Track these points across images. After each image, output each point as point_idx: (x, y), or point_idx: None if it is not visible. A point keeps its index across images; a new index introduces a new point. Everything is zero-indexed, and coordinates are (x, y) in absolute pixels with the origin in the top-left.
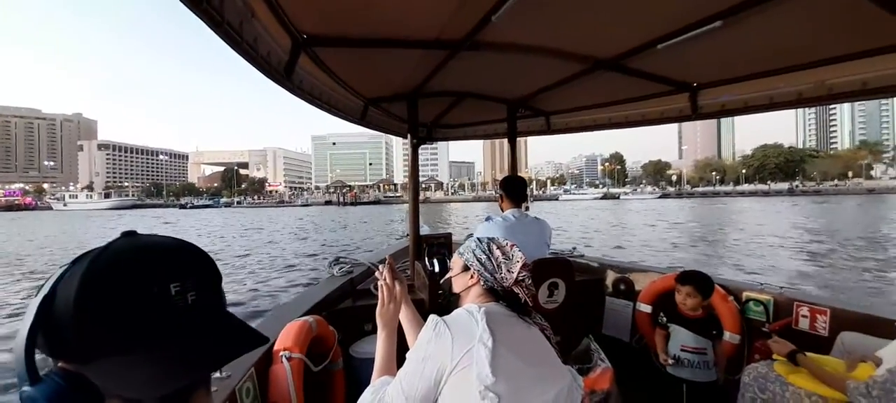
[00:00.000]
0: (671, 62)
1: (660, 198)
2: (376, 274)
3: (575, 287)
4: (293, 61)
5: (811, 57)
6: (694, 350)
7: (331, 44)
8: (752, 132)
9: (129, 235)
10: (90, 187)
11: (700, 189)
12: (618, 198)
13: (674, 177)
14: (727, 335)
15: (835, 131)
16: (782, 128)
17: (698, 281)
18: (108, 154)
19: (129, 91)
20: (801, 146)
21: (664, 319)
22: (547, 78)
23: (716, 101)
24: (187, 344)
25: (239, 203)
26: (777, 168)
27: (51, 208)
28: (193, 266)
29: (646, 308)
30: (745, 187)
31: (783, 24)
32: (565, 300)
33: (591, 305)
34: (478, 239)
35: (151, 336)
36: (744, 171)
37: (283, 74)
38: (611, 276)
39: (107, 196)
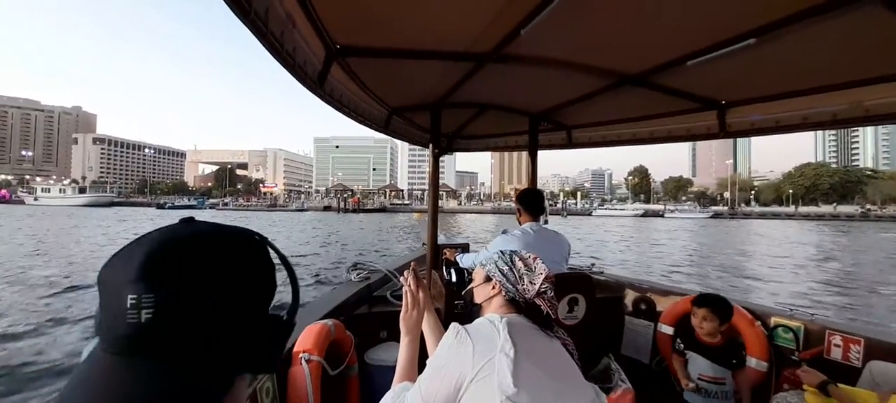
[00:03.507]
0: (699, 79)
1: (712, 217)
2: (401, 279)
3: (595, 304)
4: (326, 70)
5: (847, 77)
6: (711, 379)
7: (362, 54)
8: (767, 151)
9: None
10: (75, 181)
11: (758, 209)
12: (661, 215)
13: (725, 195)
14: (753, 362)
15: (857, 153)
16: (797, 147)
17: (714, 303)
18: (103, 148)
19: (134, 88)
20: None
21: (681, 345)
22: (571, 91)
23: (745, 120)
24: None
25: (225, 204)
26: (831, 189)
27: (23, 202)
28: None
29: (667, 330)
30: (811, 209)
31: (818, 43)
32: (585, 316)
33: (610, 324)
34: (501, 251)
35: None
36: (791, 191)
37: (316, 82)
38: (631, 295)
39: (82, 191)
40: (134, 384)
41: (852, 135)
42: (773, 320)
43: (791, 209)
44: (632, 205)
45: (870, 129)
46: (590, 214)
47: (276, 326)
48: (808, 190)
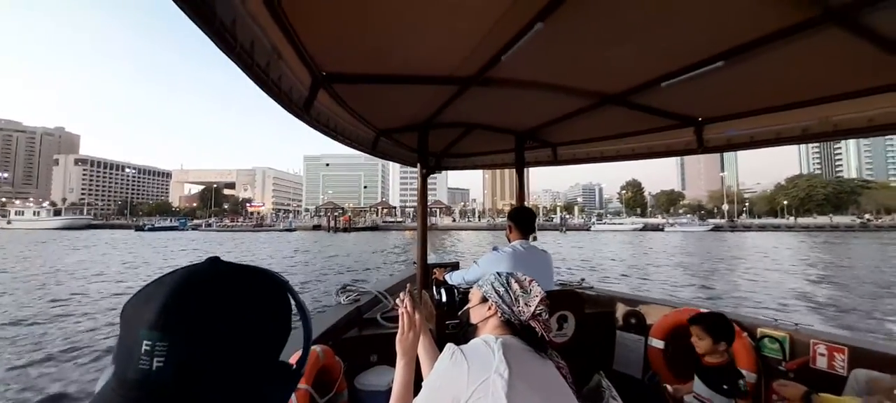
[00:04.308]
0: (676, 98)
1: (712, 230)
2: (397, 301)
3: (585, 320)
4: (312, 97)
5: (816, 94)
6: (702, 401)
7: (348, 81)
8: (755, 165)
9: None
10: (53, 203)
11: (757, 221)
12: (661, 229)
13: (724, 208)
14: (743, 373)
15: (840, 165)
16: (783, 160)
17: (705, 321)
18: (85, 169)
19: (118, 109)
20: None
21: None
22: (554, 111)
23: (721, 136)
24: None
25: (209, 225)
26: (825, 199)
27: None
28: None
29: (658, 343)
30: (809, 221)
31: (786, 63)
32: (575, 333)
33: (601, 339)
34: (497, 272)
35: None
36: (785, 203)
37: (302, 108)
38: (621, 309)
39: (57, 213)
40: None
41: (835, 147)
42: (760, 330)
43: (790, 220)
44: (630, 220)
45: (852, 142)
46: (588, 229)
47: (284, 375)
48: (803, 201)
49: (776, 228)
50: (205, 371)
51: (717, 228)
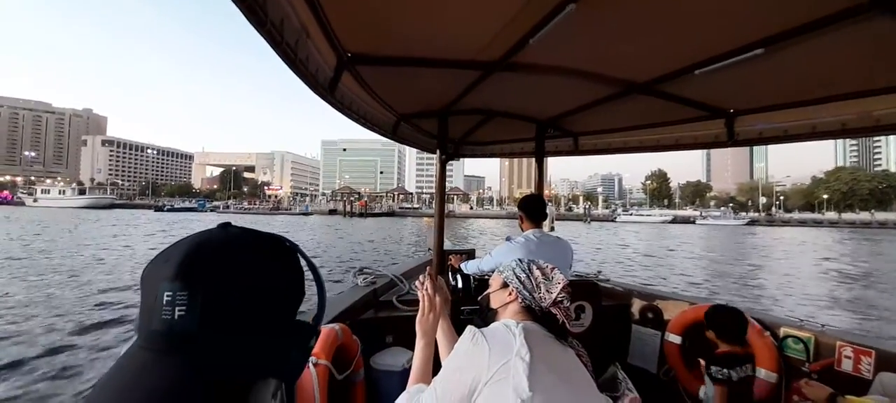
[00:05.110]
0: (707, 88)
1: (748, 224)
2: (416, 283)
3: (602, 311)
4: (337, 78)
5: (856, 86)
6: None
7: (372, 62)
8: (781, 157)
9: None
10: (80, 182)
11: (797, 216)
12: (693, 222)
13: (760, 201)
14: (763, 372)
15: (879, 158)
16: (814, 153)
17: (714, 319)
18: (111, 150)
19: (145, 91)
20: None
21: (725, 373)
22: (578, 99)
23: (753, 128)
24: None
25: (227, 207)
26: (870, 194)
27: (24, 204)
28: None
29: (675, 339)
30: (855, 217)
31: (826, 53)
32: (592, 324)
33: (617, 332)
34: (519, 258)
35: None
36: (826, 197)
37: (327, 89)
38: (637, 303)
39: (81, 193)
40: (161, 378)
41: (875, 140)
42: (783, 330)
43: (833, 216)
44: (659, 211)
45: (892, 136)
46: (614, 220)
47: (302, 331)
48: (845, 195)
49: (818, 224)
50: (225, 319)
51: (753, 222)
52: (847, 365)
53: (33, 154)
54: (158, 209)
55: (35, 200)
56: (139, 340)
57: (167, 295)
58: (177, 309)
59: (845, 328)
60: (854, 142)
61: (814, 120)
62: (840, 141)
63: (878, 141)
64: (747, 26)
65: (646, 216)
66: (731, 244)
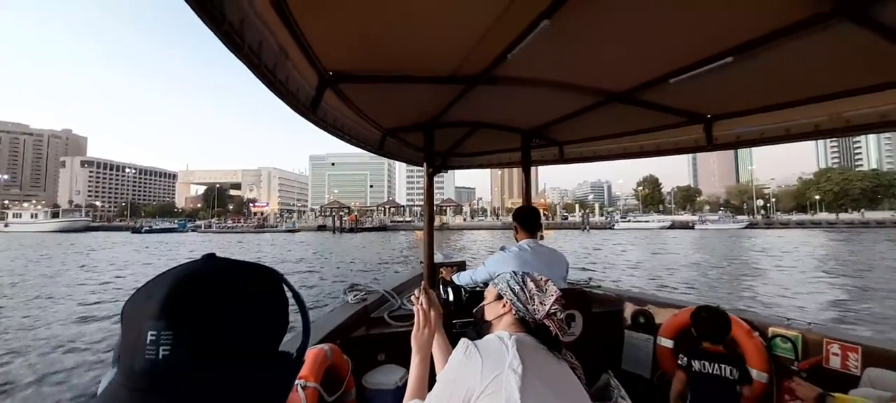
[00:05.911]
0: (684, 95)
1: (747, 227)
2: (412, 298)
3: (592, 319)
4: (319, 97)
5: (827, 89)
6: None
7: (354, 80)
8: (764, 160)
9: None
10: (56, 205)
11: (795, 217)
12: (692, 227)
13: (755, 204)
14: (754, 373)
15: (860, 159)
16: (794, 155)
17: (701, 324)
18: (91, 171)
19: (125, 111)
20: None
21: (685, 360)
22: (561, 109)
23: (731, 133)
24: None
25: (209, 226)
26: (862, 194)
27: None
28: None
29: (667, 343)
30: (854, 217)
31: (795, 59)
32: (582, 333)
33: (609, 338)
34: (513, 271)
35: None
36: (818, 198)
37: (309, 108)
38: (629, 309)
39: (54, 216)
40: None
41: (854, 140)
42: (771, 330)
43: (831, 216)
44: (656, 217)
45: (872, 135)
46: (612, 227)
47: (285, 364)
48: (837, 196)
49: (816, 225)
50: (208, 356)
51: (751, 225)
52: (835, 362)
53: (6, 177)
54: (136, 231)
55: (6, 225)
56: (120, 377)
57: (151, 335)
58: (161, 348)
59: (831, 324)
60: (834, 142)
61: (788, 122)
62: (821, 144)
63: (858, 140)
64: (716, 37)
65: (644, 222)
66: (743, 248)
